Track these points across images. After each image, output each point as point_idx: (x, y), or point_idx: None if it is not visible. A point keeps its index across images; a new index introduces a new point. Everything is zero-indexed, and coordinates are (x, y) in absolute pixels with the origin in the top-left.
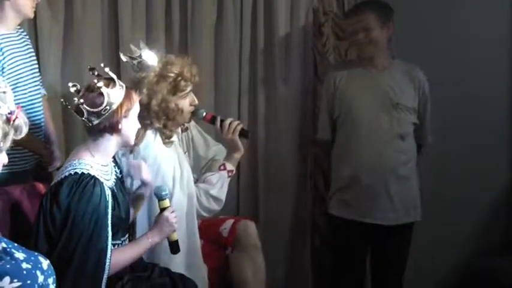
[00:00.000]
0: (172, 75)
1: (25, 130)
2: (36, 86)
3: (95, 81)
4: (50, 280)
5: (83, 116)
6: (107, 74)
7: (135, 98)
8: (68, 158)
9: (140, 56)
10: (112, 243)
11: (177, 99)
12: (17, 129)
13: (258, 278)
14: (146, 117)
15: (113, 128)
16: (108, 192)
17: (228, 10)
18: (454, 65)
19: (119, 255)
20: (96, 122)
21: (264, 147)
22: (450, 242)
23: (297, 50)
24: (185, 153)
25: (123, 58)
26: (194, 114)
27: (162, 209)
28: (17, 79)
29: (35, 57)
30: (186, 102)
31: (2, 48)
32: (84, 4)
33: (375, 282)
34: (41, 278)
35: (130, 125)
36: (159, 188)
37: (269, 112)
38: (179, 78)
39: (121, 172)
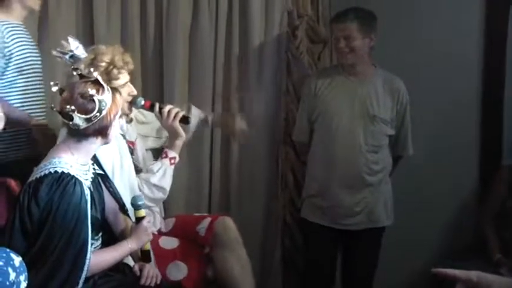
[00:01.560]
0: (103, 64)
1: (1, 125)
2: (40, 75)
3: (88, 89)
4: (22, 277)
5: (70, 120)
6: (90, 74)
7: (120, 101)
8: (48, 155)
9: (71, 50)
10: None
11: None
12: None
13: (246, 272)
14: None
15: (101, 132)
16: (88, 192)
17: (204, 12)
18: (424, 69)
19: (99, 257)
20: (83, 126)
21: (237, 148)
22: (420, 245)
23: (271, 53)
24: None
25: (54, 53)
26: (133, 104)
27: (138, 218)
28: (23, 67)
29: (38, 51)
30: (123, 92)
31: (10, 36)
32: (59, 3)
33: (346, 284)
34: (12, 275)
35: (116, 128)
36: (136, 197)
37: (242, 113)
38: (111, 66)
39: (100, 168)
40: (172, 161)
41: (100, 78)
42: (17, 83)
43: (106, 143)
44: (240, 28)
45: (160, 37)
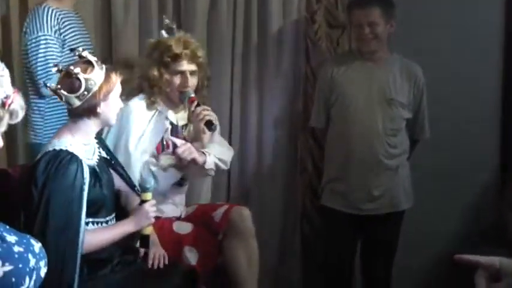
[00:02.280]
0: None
1: (21, 114)
2: None
3: (72, 67)
4: (42, 263)
5: (62, 99)
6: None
7: (115, 80)
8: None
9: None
10: (95, 221)
11: (165, 73)
12: (12, 113)
13: (252, 263)
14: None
15: (91, 111)
16: (86, 170)
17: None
18: (446, 58)
19: (93, 237)
20: (76, 104)
21: (256, 136)
22: (440, 230)
23: (290, 38)
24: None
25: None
26: (183, 94)
27: (143, 201)
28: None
29: (89, 36)
30: (175, 78)
31: (63, 22)
32: None
33: (365, 269)
34: (32, 262)
35: (110, 107)
36: (144, 179)
37: (261, 100)
38: (164, 53)
39: (107, 153)
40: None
41: (91, 57)
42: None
43: (105, 123)
44: (258, 14)
45: (178, 25)
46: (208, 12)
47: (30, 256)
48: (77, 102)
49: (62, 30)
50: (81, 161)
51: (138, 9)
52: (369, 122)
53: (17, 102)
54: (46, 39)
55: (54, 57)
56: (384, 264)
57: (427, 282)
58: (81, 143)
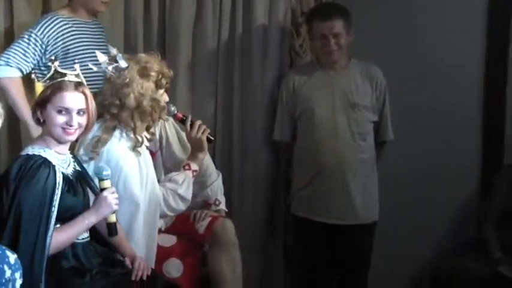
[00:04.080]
0: (154, 73)
1: (0, 121)
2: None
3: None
4: (17, 274)
5: None
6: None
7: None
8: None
9: (115, 60)
10: None
11: (158, 96)
12: None
13: (236, 275)
14: (114, 119)
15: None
16: (59, 175)
17: (207, 6)
18: (428, 66)
19: (56, 235)
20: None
21: (239, 145)
22: (421, 243)
23: (274, 50)
24: (156, 151)
25: (94, 68)
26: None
27: (102, 189)
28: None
29: (106, 48)
30: (163, 99)
31: (69, 31)
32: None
33: (342, 281)
34: (8, 273)
35: (48, 119)
36: (100, 168)
37: (245, 110)
38: (160, 76)
39: (81, 167)
40: (195, 173)
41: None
42: None
43: (51, 134)
44: (243, 23)
45: (163, 32)
46: (194, 20)
47: (5, 267)
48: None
49: (66, 40)
50: (54, 166)
51: (124, 18)
52: (335, 129)
53: None
54: (31, 36)
55: (22, 54)
56: (357, 277)
57: None
58: (54, 151)
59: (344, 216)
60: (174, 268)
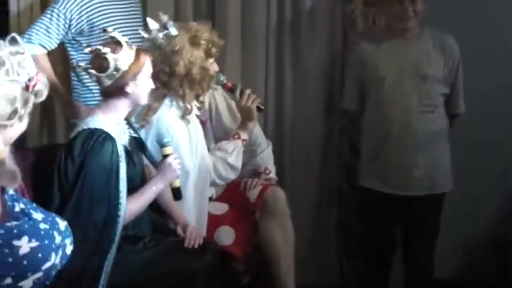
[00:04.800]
0: (204, 42)
1: (45, 93)
2: None
3: (100, 47)
4: (67, 241)
5: (90, 77)
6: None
7: (145, 60)
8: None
9: (166, 28)
10: None
11: (208, 65)
12: (37, 94)
13: (288, 243)
14: (164, 87)
15: (120, 90)
16: (121, 148)
17: None
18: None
19: (129, 206)
20: (106, 84)
21: (291, 116)
22: (482, 212)
23: (325, 18)
24: (206, 120)
25: (145, 35)
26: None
27: (164, 156)
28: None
29: (139, 24)
30: (212, 68)
31: (95, 5)
32: None
33: (406, 253)
34: (58, 239)
35: (139, 87)
36: (161, 135)
37: (296, 81)
38: (210, 44)
39: (136, 133)
40: (244, 143)
41: (120, 38)
42: None
43: (135, 103)
44: None
45: (212, 3)
46: None
47: (55, 233)
48: (106, 82)
49: (90, 14)
50: (114, 139)
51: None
52: (404, 100)
53: (41, 83)
54: (54, 12)
55: (45, 30)
56: (424, 248)
57: (467, 264)
58: (113, 122)
59: (413, 187)
60: (226, 236)
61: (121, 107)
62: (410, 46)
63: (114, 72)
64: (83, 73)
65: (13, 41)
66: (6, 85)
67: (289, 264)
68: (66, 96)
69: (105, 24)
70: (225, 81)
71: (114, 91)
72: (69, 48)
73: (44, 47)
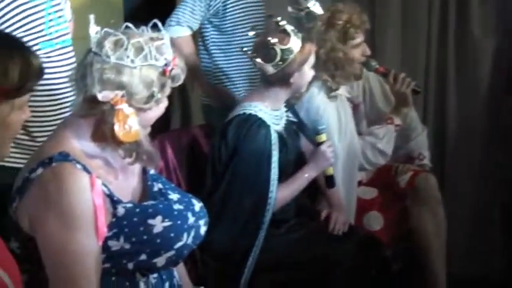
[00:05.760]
0: (340, 22)
1: (182, 77)
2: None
3: (269, 38)
4: (202, 222)
5: (254, 65)
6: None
7: (310, 50)
8: (241, 101)
9: (308, 7)
10: None
11: (347, 49)
12: (173, 78)
13: (440, 233)
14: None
15: (284, 80)
16: (275, 135)
17: None
18: None
19: (281, 193)
20: (270, 72)
21: (455, 102)
22: None
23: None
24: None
25: (290, 9)
26: (365, 65)
27: (319, 143)
28: (238, 22)
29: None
30: (356, 51)
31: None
32: None
33: None
34: (191, 220)
35: (302, 77)
36: (316, 122)
37: (460, 63)
38: (348, 25)
39: (296, 117)
40: (397, 128)
41: (288, 26)
42: (234, 42)
43: (296, 92)
44: None
45: None
46: None
47: (189, 214)
48: (271, 70)
49: (227, 7)
50: (269, 126)
51: None
52: None
53: (178, 67)
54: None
55: (190, 11)
56: None
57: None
58: (270, 109)
59: None
60: (375, 221)
61: (281, 96)
62: None
63: (280, 63)
64: (220, 55)
65: (155, 27)
66: (144, 70)
67: (441, 255)
68: (206, 80)
69: (236, 5)
70: (377, 66)
71: (277, 80)
72: (202, 30)
73: (191, 28)
